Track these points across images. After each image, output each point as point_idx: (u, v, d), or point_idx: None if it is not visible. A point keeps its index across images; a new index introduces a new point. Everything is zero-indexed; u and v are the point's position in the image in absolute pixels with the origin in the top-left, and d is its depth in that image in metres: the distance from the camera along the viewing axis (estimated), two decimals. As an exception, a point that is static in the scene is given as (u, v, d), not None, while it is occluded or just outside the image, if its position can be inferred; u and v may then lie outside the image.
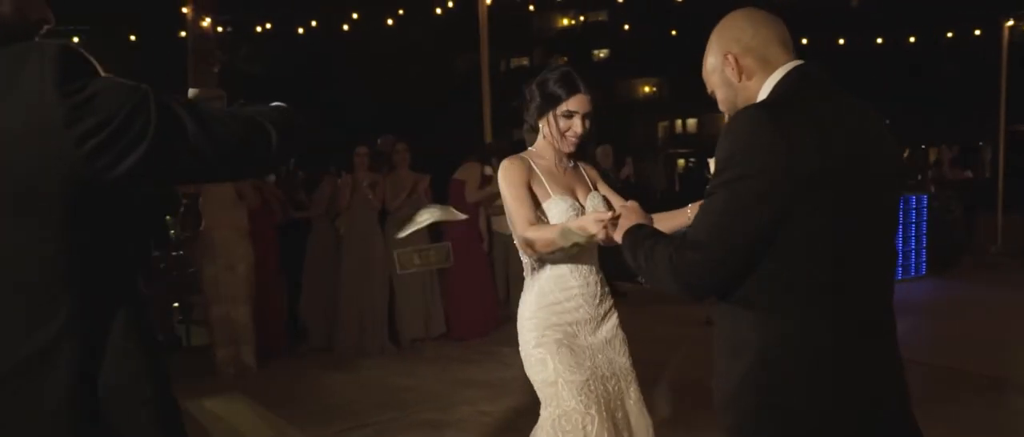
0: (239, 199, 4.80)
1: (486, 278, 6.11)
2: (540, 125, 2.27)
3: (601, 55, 36.80)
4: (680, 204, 2.26)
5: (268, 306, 5.27)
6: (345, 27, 8.35)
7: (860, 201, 1.35)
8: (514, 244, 7.22)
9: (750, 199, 1.31)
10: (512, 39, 34.34)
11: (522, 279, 5.87)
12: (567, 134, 2.20)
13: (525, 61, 38.08)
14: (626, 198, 2.03)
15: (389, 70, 24.99)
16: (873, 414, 1.35)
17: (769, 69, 1.48)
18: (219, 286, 4.75)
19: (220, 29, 8.75)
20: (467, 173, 6.02)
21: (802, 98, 1.39)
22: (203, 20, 8.43)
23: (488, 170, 6.13)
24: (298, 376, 4.90)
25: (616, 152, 8.32)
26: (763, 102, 1.43)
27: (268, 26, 8.87)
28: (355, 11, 8.27)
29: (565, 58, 36.47)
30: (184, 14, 8.45)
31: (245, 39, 12.97)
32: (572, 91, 2.19)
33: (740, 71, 1.50)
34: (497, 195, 5.96)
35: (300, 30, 8.68)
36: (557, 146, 2.24)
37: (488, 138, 7.78)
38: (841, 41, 13.45)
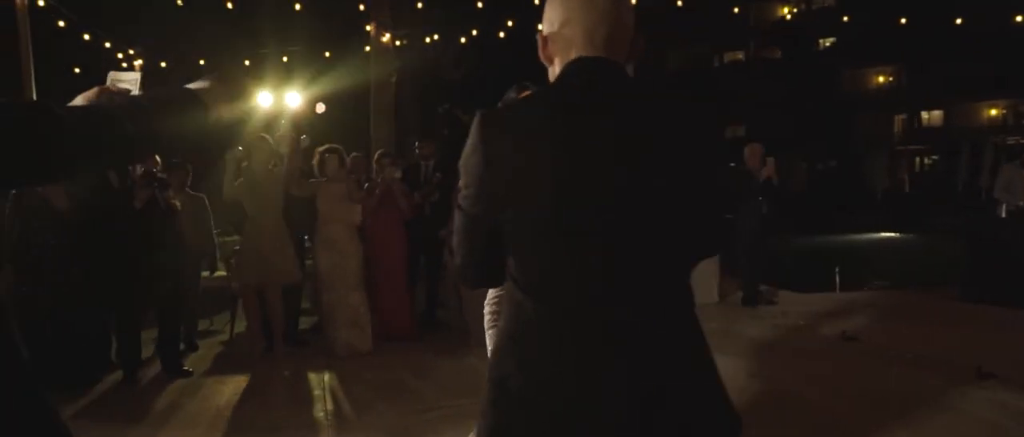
0: (350, 198, 5.39)
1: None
2: None
3: (826, 44, 33.79)
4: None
5: (391, 296, 5.78)
6: (501, 35, 8.80)
7: (588, 207, 1.23)
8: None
9: (468, 208, 1.33)
10: (726, 32, 32.84)
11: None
12: None
13: (740, 55, 36.22)
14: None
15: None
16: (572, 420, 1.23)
17: (562, 62, 1.34)
18: (334, 274, 5.36)
19: (398, 42, 9.66)
20: None
21: (542, 102, 1.32)
22: (383, 35, 9.37)
23: None
24: (406, 361, 5.31)
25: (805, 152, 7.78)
26: (491, 109, 1.34)
27: (436, 37, 9.62)
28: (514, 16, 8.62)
29: (780, 50, 34.08)
30: (367, 31, 9.46)
31: (450, 46, 14.09)
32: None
33: (547, 57, 1.39)
34: None
35: (462, 40, 9.27)
36: None
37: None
38: None
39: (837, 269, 8.41)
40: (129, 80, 1.52)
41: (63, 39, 7.96)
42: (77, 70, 9.37)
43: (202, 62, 10.20)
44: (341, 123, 9.80)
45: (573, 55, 1.33)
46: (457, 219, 1.37)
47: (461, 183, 1.34)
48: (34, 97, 6.99)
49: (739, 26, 32.27)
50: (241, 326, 6.18)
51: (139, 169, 5.01)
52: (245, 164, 5.36)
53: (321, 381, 4.91)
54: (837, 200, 23.10)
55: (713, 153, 1.32)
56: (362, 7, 7.73)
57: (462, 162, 1.32)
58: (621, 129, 1.26)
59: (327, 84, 9.97)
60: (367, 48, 9.56)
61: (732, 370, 4.84)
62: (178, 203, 5.23)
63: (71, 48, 8.25)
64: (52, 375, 4.67)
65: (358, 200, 5.51)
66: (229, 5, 6.96)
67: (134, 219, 4.87)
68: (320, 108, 7.31)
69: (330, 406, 4.40)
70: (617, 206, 1.24)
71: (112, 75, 1.53)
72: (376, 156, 5.94)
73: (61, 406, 4.24)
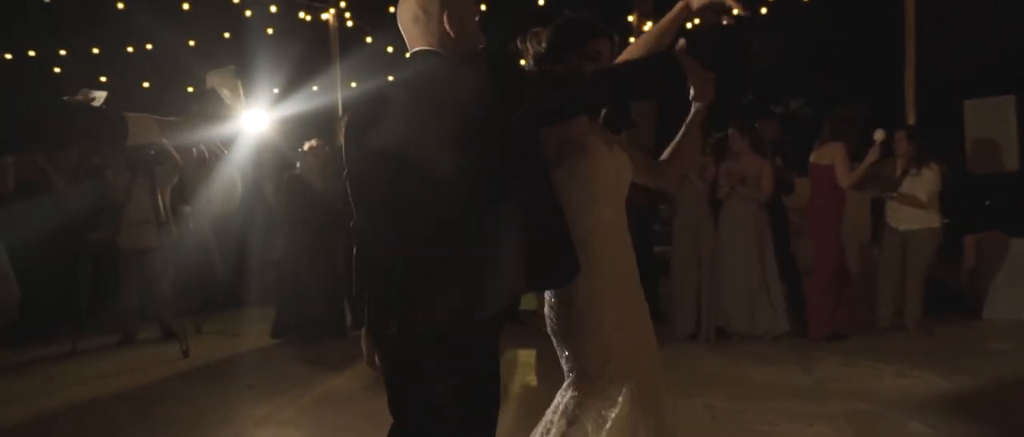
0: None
1: (831, 276, 5.22)
2: None
3: None
4: None
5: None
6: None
7: (411, 161, 1.68)
8: (915, 240, 5.58)
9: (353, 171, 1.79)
10: None
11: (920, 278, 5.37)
12: None
13: None
14: None
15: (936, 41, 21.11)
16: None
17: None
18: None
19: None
20: (831, 154, 5.22)
21: (392, 84, 1.79)
22: (644, 24, 9.22)
23: (879, 134, 5.14)
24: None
25: None
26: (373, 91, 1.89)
27: (696, 21, 9.09)
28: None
29: None
30: (630, 22, 9.40)
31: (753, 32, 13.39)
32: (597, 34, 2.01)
33: None
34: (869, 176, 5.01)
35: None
36: None
37: (911, 117, 6.42)
38: None
39: None
40: (99, 97, 2.14)
41: (367, 52, 9.42)
42: (390, 78, 11.02)
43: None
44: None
45: (411, 46, 1.83)
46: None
47: None
48: (339, 103, 8.40)
49: None
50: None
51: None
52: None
53: (515, 358, 5.02)
54: None
55: (478, 108, 1.64)
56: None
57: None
58: (417, 104, 1.71)
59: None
60: (631, 39, 9.49)
61: (972, 395, 3.94)
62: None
63: (376, 60, 9.73)
64: (303, 331, 5.58)
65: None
66: (482, 8, 7.52)
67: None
68: None
69: (523, 380, 4.61)
70: (436, 162, 1.66)
71: (83, 91, 2.13)
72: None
73: (297, 352, 5.07)
